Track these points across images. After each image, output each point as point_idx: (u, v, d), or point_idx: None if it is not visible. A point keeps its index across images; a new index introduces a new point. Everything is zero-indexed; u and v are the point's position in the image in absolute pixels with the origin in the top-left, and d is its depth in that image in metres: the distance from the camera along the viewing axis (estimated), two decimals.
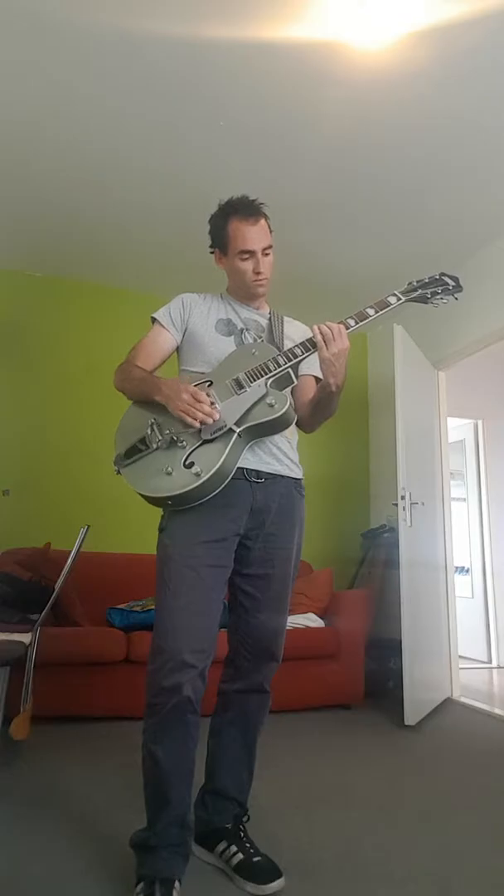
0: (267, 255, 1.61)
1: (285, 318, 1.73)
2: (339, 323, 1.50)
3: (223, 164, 2.86)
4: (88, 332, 3.95)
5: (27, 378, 3.85)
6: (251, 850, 1.48)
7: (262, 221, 1.60)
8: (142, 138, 2.72)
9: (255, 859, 1.45)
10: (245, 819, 1.57)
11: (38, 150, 2.80)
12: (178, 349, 1.70)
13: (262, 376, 1.50)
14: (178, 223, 3.25)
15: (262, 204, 1.61)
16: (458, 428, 5.13)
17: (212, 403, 1.46)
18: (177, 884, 1.32)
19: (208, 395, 1.47)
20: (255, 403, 1.47)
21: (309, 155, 2.80)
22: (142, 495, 1.48)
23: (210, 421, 1.43)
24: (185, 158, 2.84)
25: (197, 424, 1.42)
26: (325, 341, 1.47)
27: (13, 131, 2.68)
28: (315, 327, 1.49)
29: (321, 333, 1.47)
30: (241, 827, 1.54)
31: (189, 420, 1.42)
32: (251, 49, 2.22)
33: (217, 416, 1.44)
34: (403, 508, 3.13)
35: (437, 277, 1.64)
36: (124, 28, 2.15)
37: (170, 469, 1.44)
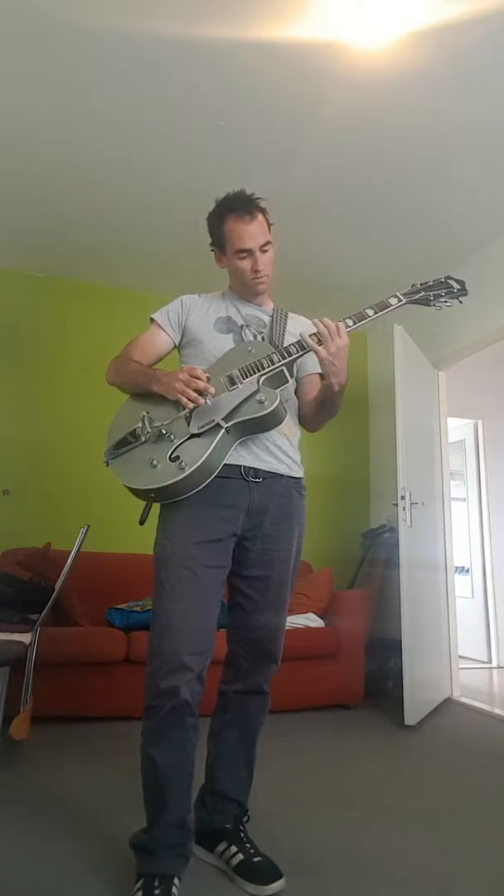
0: (265, 251, 1.59)
1: (290, 314, 1.71)
2: (336, 323, 1.47)
3: (223, 164, 2.85)
4: (88, 332, 3.95)
5: (27, 378, 3.85)
6: (251, 851, 1.47)
7: (259, 217, 1.57)
8: (142, 138, 2.72)
9: (256, 860, 1.45)
10: (245, 819, 1.56)
11: (38, 150, 2.80)
12: (178, 349, 1.70)
13: (254, 373, 1.49)
14: (178, 223, 3.24)
15: (259, 199, 1.58)
16: (458, 428, 5.12)
17: (208, 378, 1.45)
18: (176, 880, 1.32)
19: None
20: (245, 400, 1.47)
21: (309, 155, 2.80)
22: (127, 487, 1.48)
23: (210, 395, 1.42)
24: (185, 158, 2.84)
25: (190, 405, 1.42)
26: (321, 340, 1.45)
27: (13, 131, 2.68)
28: (315, 320, 1.47)
29: (318, 331, 1.45)
30: (241, 827, 1.54)
31: (184, 401, 1.42)
32: (251, 49, 2.22)
33: (213, 390, 1.44)
34: (403, 508, 3.13)
35: (443, 280, 1.59)
36: (124, 28, 2.15)
37: (155, 462, 1.44)
